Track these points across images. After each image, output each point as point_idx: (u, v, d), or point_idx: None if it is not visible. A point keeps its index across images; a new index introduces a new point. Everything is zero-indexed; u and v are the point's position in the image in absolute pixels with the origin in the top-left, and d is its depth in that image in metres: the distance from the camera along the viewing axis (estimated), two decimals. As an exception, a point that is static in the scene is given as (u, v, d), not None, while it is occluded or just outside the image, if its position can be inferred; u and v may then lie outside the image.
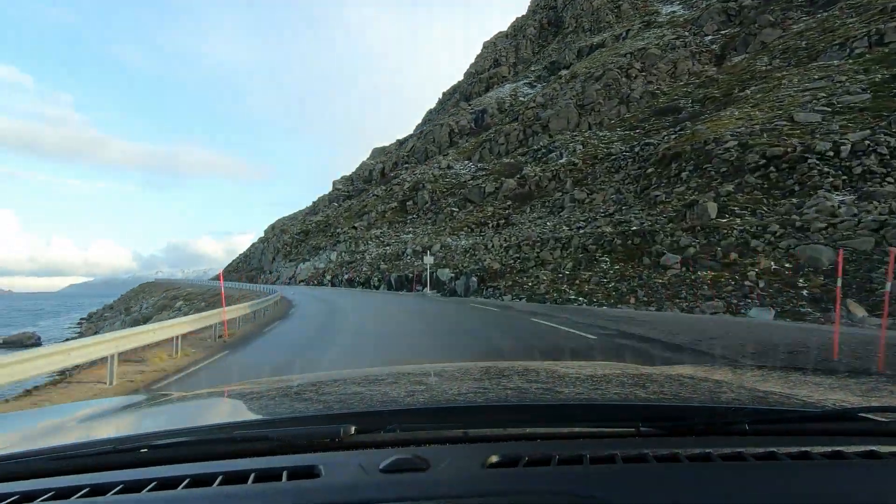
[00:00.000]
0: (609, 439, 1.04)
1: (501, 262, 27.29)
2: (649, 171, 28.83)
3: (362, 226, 53.16)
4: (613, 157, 35.61)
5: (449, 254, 33.80)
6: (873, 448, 0.95)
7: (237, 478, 0.90)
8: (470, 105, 68.68)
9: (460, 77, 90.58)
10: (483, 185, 43.28)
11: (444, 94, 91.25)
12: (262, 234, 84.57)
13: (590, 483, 0.85)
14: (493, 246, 30.88)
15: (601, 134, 41.59)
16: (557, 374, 1.92)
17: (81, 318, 57.09)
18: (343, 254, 48.81)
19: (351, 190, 73.84)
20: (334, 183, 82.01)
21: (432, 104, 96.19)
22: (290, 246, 64.27)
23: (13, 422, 1.76)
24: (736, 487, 0.85)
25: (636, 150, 34.20)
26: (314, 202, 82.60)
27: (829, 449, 0.95)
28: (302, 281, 49.14)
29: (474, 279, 26.46)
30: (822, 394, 1.63)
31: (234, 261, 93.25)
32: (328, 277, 45.14)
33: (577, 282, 21.13)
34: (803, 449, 0.95)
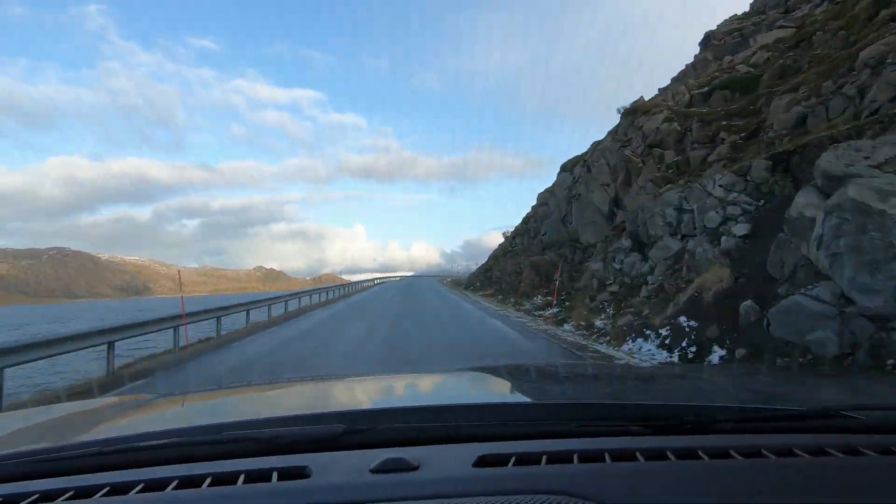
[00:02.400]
0: (598, 438, 1.02)
1: None
2: None
3: None
4: None
5: None
6: (855, 445, 0.95)
7: (226, 479, 0.88)
8: None
9: None
10: None
11: None
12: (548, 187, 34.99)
13: (579, 481, 0.84)
14: None
15: None
16: (547, 374, 2.00)
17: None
18: None
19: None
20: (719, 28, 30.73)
21: None
22: (667, 138, 16.69)
23: None
24: (723, 484, 0.84)
25: None
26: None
27: (813, 446, 0.95)
28: None
29: None
30: (807, 392, 1.59)
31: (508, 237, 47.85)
32: None
33: None
34: (788, 446, 0.95)
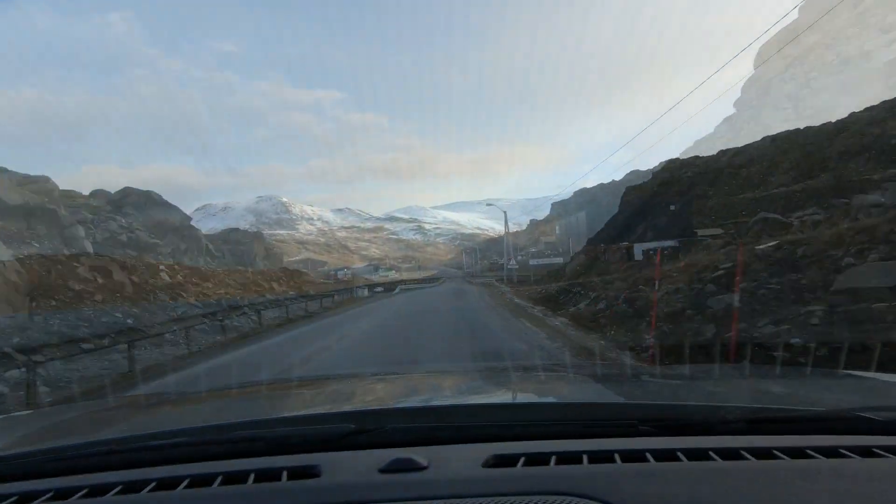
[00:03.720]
0: (607, 438, 1.01)
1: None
2: None
3: None
4: None
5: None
6: (870, 446, 0.93)
7: (237, 478, 0.90)
8: None
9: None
10: None
11: None
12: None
13: (588, 482, 0.84)
14: None
15: None
16: (556, 375, 1.99)
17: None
18: None
19: None
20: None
21: None
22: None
23: (13, 422, 1.70)
24: (734, 485, 0.84)
25: None
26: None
27: (826, 447, 0.93)
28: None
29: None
30: (819, 393, 1.56)
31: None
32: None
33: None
34: (801, 447, 0.93)
